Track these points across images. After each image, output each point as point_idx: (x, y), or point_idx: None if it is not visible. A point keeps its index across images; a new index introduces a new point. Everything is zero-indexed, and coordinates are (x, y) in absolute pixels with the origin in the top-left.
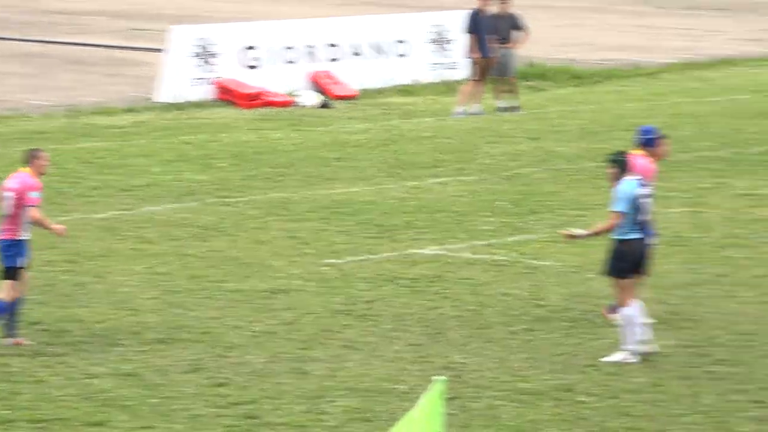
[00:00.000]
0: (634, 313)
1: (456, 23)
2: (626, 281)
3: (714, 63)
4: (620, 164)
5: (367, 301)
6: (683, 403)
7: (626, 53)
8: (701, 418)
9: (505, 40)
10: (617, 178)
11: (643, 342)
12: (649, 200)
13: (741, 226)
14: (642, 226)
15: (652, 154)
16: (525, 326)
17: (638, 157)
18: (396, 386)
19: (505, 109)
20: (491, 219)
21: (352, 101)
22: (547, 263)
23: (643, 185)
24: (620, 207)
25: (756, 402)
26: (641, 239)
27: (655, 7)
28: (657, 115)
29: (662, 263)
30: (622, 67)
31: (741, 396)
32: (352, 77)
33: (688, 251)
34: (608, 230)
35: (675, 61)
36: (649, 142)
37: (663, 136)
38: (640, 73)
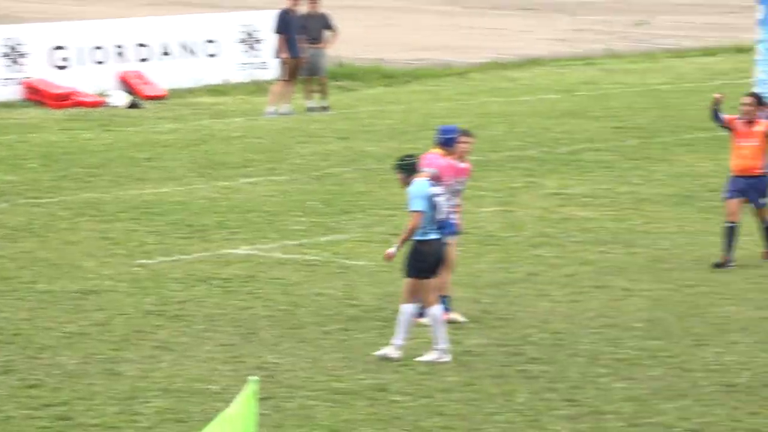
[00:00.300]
0: (440, 312)
1: (266, 23)
2: (427, 282)
3: (522, 63)
4: (406, 168)
5: (179, 302)
6: (496, 402)
7: (436, 53)
8: (514, 416)
9: (315, 40)
10: (407, 181)
11: (398, 346)
12: (443, 198)
13: (551, 225)
14: (439, 226)
15: (451, 153)
16: (338, 326)
17: (438, 157)
18: (209, 386)
19: (315, 109)
20: (302, 219)
21: (161, 101)
22: (359, 263)
23: (434, 184)
24: (418, 206)
25: (568, 400)
26: (439, 239)
27: (464, 8)
28: (466, 115)
29: (475, 262)
30: (432, 67)
31: (554, 394)
32: (162, 77)
33: (500, 250)
34: (413, 231)
35: (484, 60)
36: (447, 141)
37: (464, 134)
38: (450, 73)
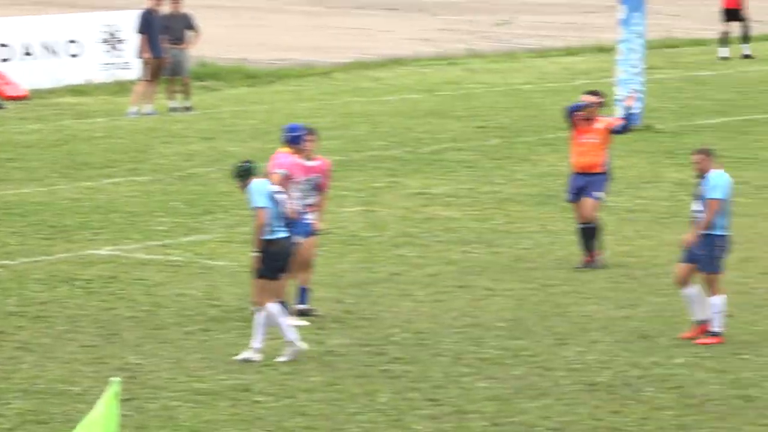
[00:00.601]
0: (276, 308)
1: (128, 23)
2: (277, 282)
3: (385, 62)
4: (242, 173)
5: (41, 303)
6: (359, 402)
7: (299, 53)
8: (377, 416)
9: (178, 40)
10: (244, 185)
11: (258, 349)
12: (284, 197)
13: (414, 225)
14: (287, 224)
15: (299, 152)
16: (200, 326)
17: (287, 156)
18: (71, 388)
19: (178, 109)
20: (165, 219)
21: (23, 101)
22: (221, 263)
23: (273, 183)
24: (260, 203)
25: (431, 400)
26: (288, 237)
27: (328, 7)
28: (329, 115)
29: (337, 262)
30: (295, 67)
31: (416, 394)
32: (24, 77)
33: (363, 250)
34: (261, 228)
35: (347, 60)
36: (294, 139)
37: (308, 133)
38: (313, 73)
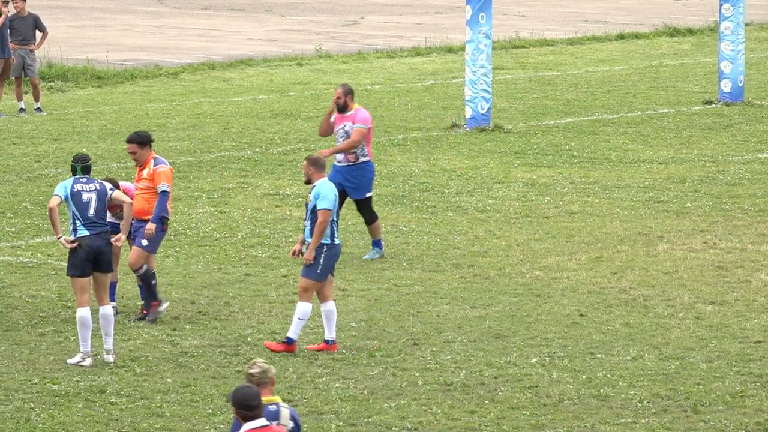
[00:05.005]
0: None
1: None
2: (82, 280)
3: (233, 63)
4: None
5: None
6: (215, 403)
7: (146, 54)
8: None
9: (25, 40)
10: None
11: (110, 350)
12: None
13: (266, 226)
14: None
15: None
16: (54, 328)
17: None
18: None
19: (27, 110)
20: (15, 221)
21: None
22: None
23: (85, 182)
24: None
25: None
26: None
27: (172, 8)
28: (179, 115)
29: (190, 263)
30: (142, 68)
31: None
32: None
33: (215, 251)
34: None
35: (194, 61)
36: None
37: None
38: (161, 74)
